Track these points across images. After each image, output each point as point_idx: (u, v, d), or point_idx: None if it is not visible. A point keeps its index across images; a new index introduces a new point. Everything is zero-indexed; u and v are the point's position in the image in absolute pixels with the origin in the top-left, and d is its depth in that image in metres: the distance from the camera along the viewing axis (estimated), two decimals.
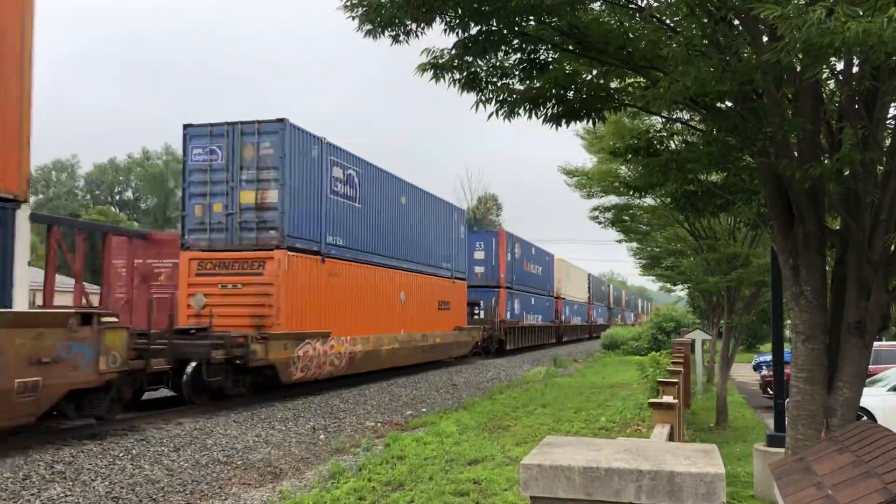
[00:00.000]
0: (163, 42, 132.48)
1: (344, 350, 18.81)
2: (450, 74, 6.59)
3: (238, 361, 15.08)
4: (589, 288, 61.15)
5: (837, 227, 6.46)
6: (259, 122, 16.71)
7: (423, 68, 6.50)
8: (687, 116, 8.44)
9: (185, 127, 17.28)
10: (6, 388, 9.97)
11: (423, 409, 17.24)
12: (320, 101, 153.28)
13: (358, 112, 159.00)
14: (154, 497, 9.26)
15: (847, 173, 5.50)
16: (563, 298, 49.57)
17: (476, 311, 32.77)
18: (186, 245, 16.99)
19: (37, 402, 10.61)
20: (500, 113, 6.83)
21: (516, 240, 37.49)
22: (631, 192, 15.61)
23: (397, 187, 22.90)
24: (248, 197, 16.63)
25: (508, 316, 35.21)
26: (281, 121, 16.57)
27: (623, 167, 15.42)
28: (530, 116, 6.85)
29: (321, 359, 17.68)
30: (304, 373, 16.95)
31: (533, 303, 40.73)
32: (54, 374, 10.81)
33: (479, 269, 33.67)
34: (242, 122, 16.84)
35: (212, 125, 17.00)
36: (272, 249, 16.31)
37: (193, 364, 14.73)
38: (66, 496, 8.95)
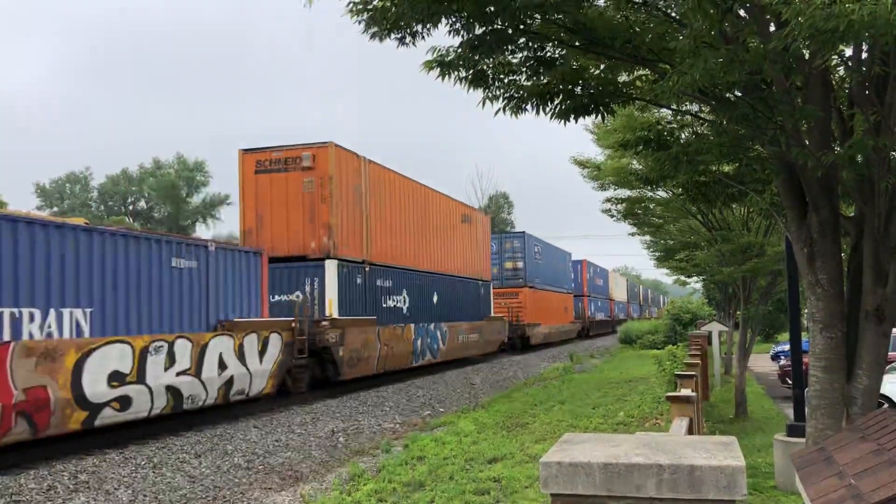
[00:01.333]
0: (174, 48, 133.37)
1: (543, 332, 39.09)
2: (456, 72, 6.58)
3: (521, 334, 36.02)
4: (627, 290, 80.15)
5: (852, 215, 6.41)
6: (513, 234, 39.96)
7: (429, 66, 6.49)
8: (696, 108, 8.40)
9: (517, 234, 39.17)
10: (495, 339, 31.75)
11: (441, 409, 17.26)
12: (336, 102, 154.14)
13: (372, 113, 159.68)
14: None
15: (860, 160, 5.45)
16: (614, 300, 67.92)
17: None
18: None
19: (496, 345, 32.08)
20: (507, 109, 6.82)
21: (591, 264, 56.97)
22: (643, 185, 15.56)
23: (552, 249, 44.03)
24: (508, 265, 37.18)
25: (589, 314, 54.60)
26: (522, 233, 38.55)
27: (634, 161, 15.35)
28: (538, 112, 6.83)
29: (539, 335, 38.10)
30: (535, 340, 37.17)
31: (599, 304, 59.91)
32: (498, 337, 32.11)
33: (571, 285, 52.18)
34: (504, 233, 41.40)
35: (493, 236, 35.91)
36: (521, 287, 36.65)
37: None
38: None
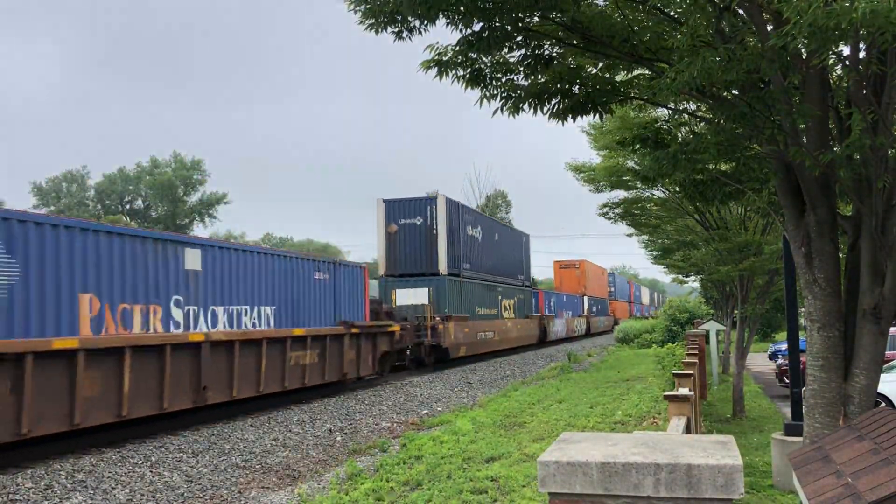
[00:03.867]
0: (177, 44, 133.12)
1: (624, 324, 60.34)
2: (454, 71, 6.56)
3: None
4: (650, 297, 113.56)
5: (849, 214, 6.41)
6: (609, 273, 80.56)
7: (426, 65, 6.46)
8: (694, 107, 8.39)
9: (609, 273, 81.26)
10: (610, 325, 70.72)
11: (439, 408, 17.26)
12: (339, 100, 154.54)
13: (376, 111, 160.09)
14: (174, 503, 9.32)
15: (857, 159, 5.45)
16: (643, 304, 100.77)
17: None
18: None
19: (610, 327, 70.42)
20: (504, 109, 6.80)
21: (635, 280, 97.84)
22: (640, 184, 15.55)
23: (621, 278, 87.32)
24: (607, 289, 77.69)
25: (633, 312, 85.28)
26: (613, 273, 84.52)
27: (630, 161, 15.34)
28: (536, 112, 6.81)
29: (619, 324, 59.91)
30: (618, 327, 56.74)
31: (638, 307, 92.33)
32: (611, 324, 69.85)
33: (626, 296, 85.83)
34: (620, 273, 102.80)
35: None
36: (613, 300, 76.79)
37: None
38: None
